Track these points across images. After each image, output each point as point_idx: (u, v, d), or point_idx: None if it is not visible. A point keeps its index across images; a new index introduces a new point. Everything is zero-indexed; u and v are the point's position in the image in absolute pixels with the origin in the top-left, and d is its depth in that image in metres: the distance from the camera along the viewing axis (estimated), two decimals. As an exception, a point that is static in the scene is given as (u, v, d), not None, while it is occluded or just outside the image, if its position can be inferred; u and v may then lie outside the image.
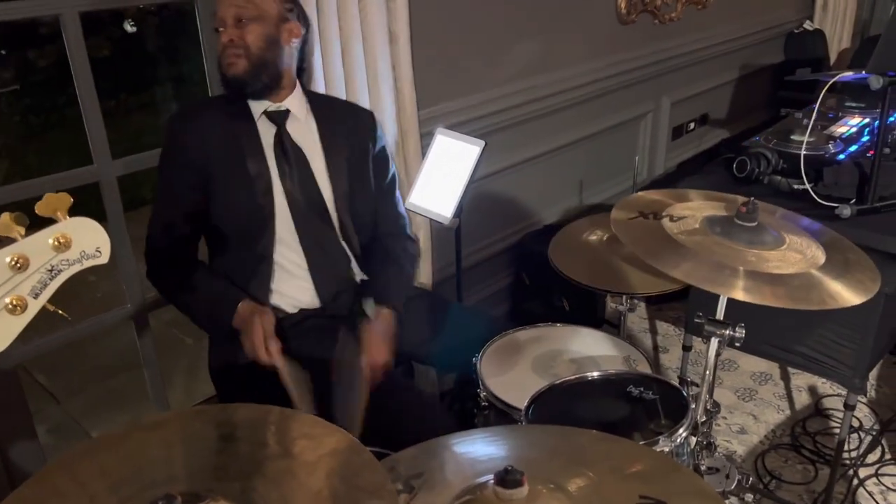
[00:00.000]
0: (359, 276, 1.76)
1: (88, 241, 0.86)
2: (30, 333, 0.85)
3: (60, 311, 0.87)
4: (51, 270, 0.83)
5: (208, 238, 1.70)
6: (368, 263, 1.76)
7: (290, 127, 1.65)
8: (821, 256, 1.34)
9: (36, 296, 0.82)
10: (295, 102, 1.65)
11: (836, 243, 1.42)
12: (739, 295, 1.20)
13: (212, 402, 2.25)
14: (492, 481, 0.90)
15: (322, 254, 1.67)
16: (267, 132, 1.64)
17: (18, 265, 0.80)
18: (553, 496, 0.91)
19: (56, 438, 2.64)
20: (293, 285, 1.67)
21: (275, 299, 1.67)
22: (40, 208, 0.84)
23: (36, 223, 0.84)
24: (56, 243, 0.82)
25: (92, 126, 1.84)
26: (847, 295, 1.26)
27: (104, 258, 0.88)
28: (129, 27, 5.56)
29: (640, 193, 1.60)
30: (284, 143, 1.63)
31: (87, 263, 0.86)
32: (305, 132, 1.67)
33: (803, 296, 1.22)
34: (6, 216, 0.80)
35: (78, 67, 1.78)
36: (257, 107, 1.63)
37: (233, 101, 1.62)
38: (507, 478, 0.88)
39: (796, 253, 1.34)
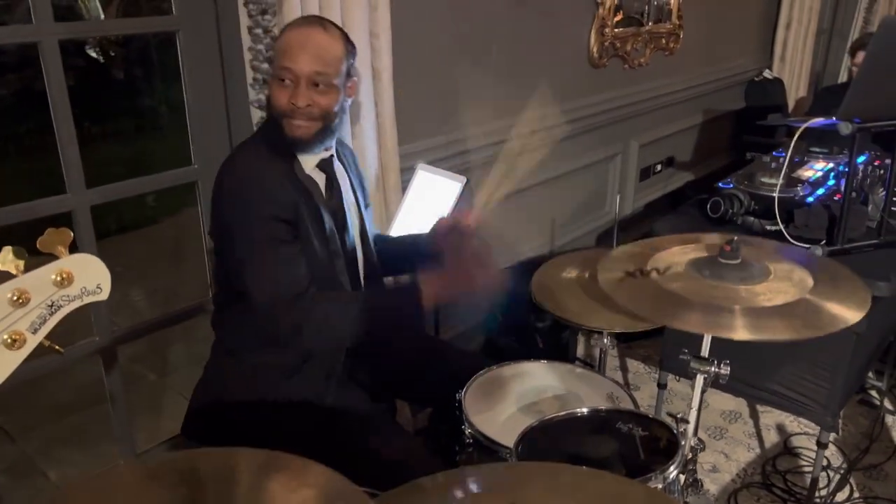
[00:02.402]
0: None
1: (89, 278, 0.85)
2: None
3: (56, 347, 0.84)
4: (51, 306, 0.81)
5: None
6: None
7: (336, 171, 1.64)
8: (808, 279, 1.38)
9: (35, 331, 0.80)
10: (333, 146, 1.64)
11: (819, 264, 1.46)
12: (743, 335, 1.22)
13: (175, 440, 2.18)
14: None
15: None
16: (319, 179, 1.60)
17: (19, 301, 0.78)
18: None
19: (11, 478, 2.52)
20: None
21: None
22: (42, 244, 0.82)
23: (34, 256, 0.82)
24: (57, 279, 0.81)
25: (67, 154, 1.79)
26: (846, 313, 1.28)
27: (104, 294, 0.86)
28: (95, 54, 5.49)
29: (617, 250, 1.62)
30: (334, 189, 1.62)
31: (88, 299, 0.85)
32: (340, 172, 1.66)
33: (807, 323, 1.25)
34: (6, 250, 0.78)
35: (55, 95, 1.74)
36: (310, 158, 1.58)
37: (277, 146, 1.54)
38: (513, 518, 0.87)
39: (784, 281, 1.38)
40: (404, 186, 2.20)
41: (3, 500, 2.03)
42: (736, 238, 1.44)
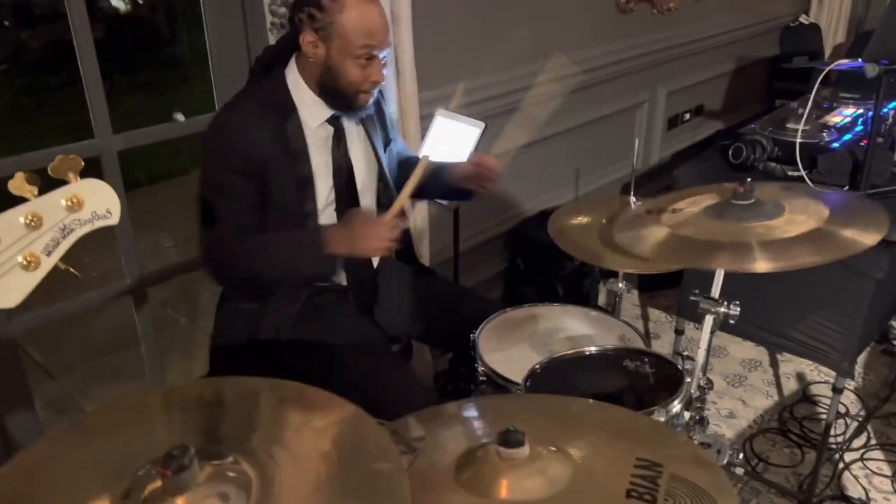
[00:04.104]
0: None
1: (100, 203, 0.88)
2: (28, 304, 0.85)
3: (71, 269, 0.88)
4: (63, 229, 0.84)
5: None
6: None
7: (345, 123, 1.66)
8: (824, 210, 1.37)
9: (49, 253, 0.83)
10: None
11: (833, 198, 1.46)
12: (763, 267, 1.24)
13: (204, 379, 2.27)
14: (494, 441, 0.92)
15: None
16: (324, 133, 1.63)
17: (32, 223, 0.81)
18: (553, 457, 0.93)
19: (51, 414, 2.65)
20: None
21: None
22: (53, 170, 0.85)
23: (48, 186, 0.85)
24: (68, 203, 0.84)
25: (94, 100, 1.84)
26: (863, 238, 1.29)
27: (114, 219, 0.89)
28: (124, 5, 5.54)
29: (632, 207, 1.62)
30: (341, 143, 1.65)
31: (98, 224, 0.88)
32: (351, 124, 1.68)
33: (824, 247, 1.26)
34: (20, 176, 0.82)
35: (81, 39, 1.77)
36: (319, 113, 1.61)
37: (274, 101, 1.59)
38: (508, 437, 0.90)
39: (800, 214, 1.38)
40: (423, 132, 2.21)
41: (45, 433, 2.14)
42: (749, 179, 1.43)
